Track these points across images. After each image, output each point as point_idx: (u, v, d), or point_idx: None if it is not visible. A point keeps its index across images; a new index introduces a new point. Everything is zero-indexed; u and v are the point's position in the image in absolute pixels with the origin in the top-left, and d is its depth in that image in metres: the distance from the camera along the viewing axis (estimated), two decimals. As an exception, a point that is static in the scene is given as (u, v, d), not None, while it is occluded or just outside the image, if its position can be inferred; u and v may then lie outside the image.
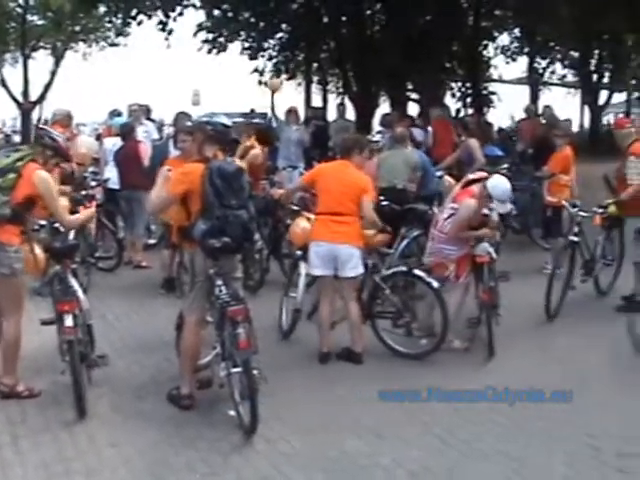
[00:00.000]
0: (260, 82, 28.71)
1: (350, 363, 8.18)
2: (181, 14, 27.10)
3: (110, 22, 33.13)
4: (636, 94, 40.42)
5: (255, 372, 6.32)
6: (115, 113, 16.37)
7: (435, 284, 8.22)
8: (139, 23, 26.94)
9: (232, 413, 6.48)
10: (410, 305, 8.55)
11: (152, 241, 13.47)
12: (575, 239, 10.22)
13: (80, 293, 7.14)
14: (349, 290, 8.32)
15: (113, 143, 13.38)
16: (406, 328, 8.43)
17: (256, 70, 28.78)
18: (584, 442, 6.38)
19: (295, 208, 9.55)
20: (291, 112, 16.14)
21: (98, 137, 16.58)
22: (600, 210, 10.37)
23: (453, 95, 31.35)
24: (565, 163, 11.92)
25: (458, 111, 26.38)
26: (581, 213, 10.41)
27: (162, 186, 6.93)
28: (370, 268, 8.49)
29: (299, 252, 8.98)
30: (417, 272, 8.43)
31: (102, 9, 29.34)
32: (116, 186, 12.90)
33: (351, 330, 8.30)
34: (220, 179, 6.51)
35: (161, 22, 26.65)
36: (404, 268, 8.68)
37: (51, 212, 7.16)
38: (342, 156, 8.57)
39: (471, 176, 9.01)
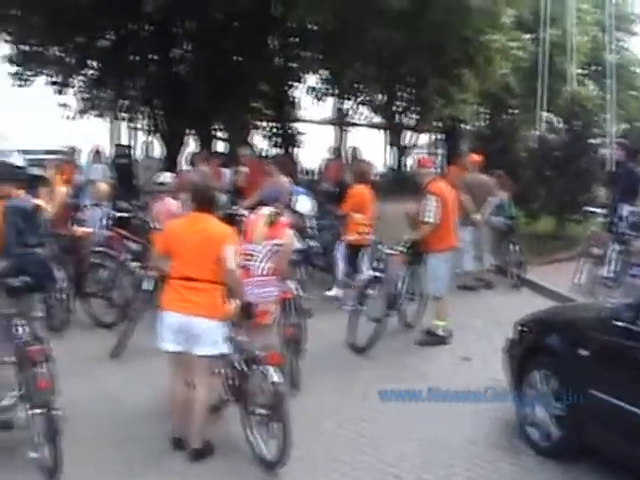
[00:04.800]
0: (68, 117, 28.33)
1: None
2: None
3: None
4: (440, 136, 41.83)
5: (56, 413, 6.22)
6: None
7: (276, 378, 6.60)
8: None
9: (34, 455, 6.29)
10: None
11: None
12: (378, 275, 10.53)
13: None
14: (199, 371, 6.92)
15: None
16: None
17: (64, 105, 28.34)
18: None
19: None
20: (95, 151, 16.09)
21: None
22: (400, 248, 10.74)
23: (264, 135, 31.69)
24: (358, 201, 12.20)
25: (265, 151, 26.63)
26: (384, 250, 10.77)
27: None
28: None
29: None
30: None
31: None
32: None
33: (190, 421, 6.94)
34: (17, 217, 6.42)
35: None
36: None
37: None
38: (198, 207, 7.06)
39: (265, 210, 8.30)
